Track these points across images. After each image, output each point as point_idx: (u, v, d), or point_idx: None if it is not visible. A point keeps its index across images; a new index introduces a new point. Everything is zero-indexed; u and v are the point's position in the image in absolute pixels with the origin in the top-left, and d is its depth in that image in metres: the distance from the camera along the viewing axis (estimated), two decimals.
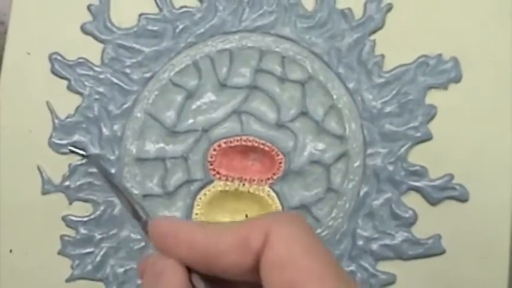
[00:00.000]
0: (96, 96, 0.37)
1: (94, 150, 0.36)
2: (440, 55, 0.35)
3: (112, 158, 0.36)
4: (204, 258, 0.25)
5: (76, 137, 0.36)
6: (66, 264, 0.36)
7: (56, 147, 0.36)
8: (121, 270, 0.36)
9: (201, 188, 0.36)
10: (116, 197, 0.33)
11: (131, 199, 0.30)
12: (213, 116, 0.36)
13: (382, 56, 0.36)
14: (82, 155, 0.35)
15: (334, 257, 0.25)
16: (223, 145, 0.35)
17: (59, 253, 0.36)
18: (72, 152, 0.35)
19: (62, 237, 0.36)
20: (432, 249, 0.34)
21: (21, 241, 0.36)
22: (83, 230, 0.36)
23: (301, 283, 0.23)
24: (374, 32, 0.36)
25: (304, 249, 0.24)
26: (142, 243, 0.35)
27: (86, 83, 0.37)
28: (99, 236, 0.36)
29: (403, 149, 0.35)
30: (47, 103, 0.37)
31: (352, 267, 0.34)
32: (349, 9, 0.36)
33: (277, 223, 0.24)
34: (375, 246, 0.34)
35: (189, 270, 0.26)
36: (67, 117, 0.37)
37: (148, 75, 0.36)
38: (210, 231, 0.25)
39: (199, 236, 0.25)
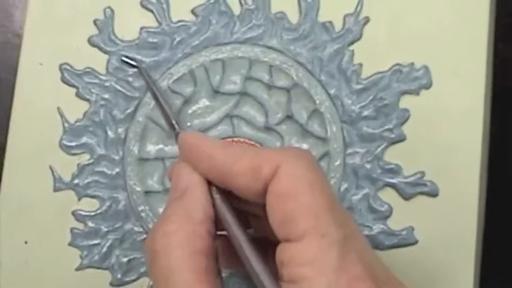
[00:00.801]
0: (102, 102, 0.38)
1: (100, 151, 0.38)
2: (412, 64, 0.37)
3: (116, 158, 0.38)
4: (221, 175, 0.27)
5: (84, 139, 0.38)
6: (76, 255, 0.38)
7: (66, 149, 0.38)
8: (125, 259, 0.37)
9: None
10: (157, 106, 0.36)
11: (169, 110, 0.33)
12: (208, 119, 0.38)
13: (360, 64, 0.37)
14: (132, 65, 0.37)
15: (336, 197, 0.26)
16: None
17: (69, 244, 0.38)
18: (124, 62, 0.37)
19: (71, 230, 0.38)
20: (406, 240, 0.36)
21: (35, 233, 0.38)
22: (90, 224, 0.38)
23: (298, 217, 0.24)
24: (352, 43, 0.37)
25: (307, 186, 0.25)
26: (144, 235, 0.37)
27: (93, 91, 0.38)
28: (105, 229, 0.38)
29: (379, 149, 0.37)
30: (58, 109, 0.38)
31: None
32: (330, 22, 0.37)
33: (287, 158, 0.26)
34: None
35: (209, 183, 0.28)
36: (76, 122, 0.38)
37: None
38: (229, 151, 0.27)
39: (219, 153, 0.27)
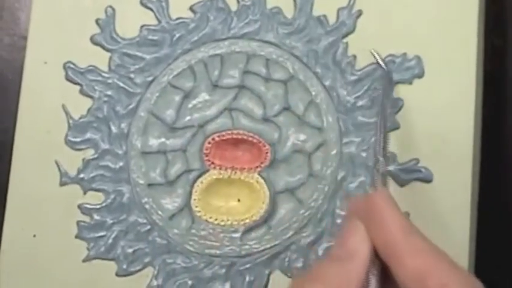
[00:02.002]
0: (105, 99, 0.39)
1: (104, 146, 0.39)
2: (405, 54, 0.37)
3: (120, 152, 0.39)
4: (389, 256, 0.26)
5: (88, 135, 0.39)
6: (83, 247, 0.38)
7: (71, 144, 0.39)
8: (130, 250, 0.38)
9: (198, 177, 0.38)
10: (377, 128, 0.33)
11: (385, 145, 0.32)
12: (207, 113, 0.38)
13: (354, 56, 0.38)
14: (380, 64, 0.36)
15: None
16: (217, 138, 0.38)
17: (76, 237, 0.38)
18: (374, 56, 0.37)
19: (78, 222, 0.38)
20: None
21: (43, 227, 0.38)
22: (96, 216, 0.38)
23: None
24: (346, 35, 0.38)
25: None
26: (148, 227, 0.38)
27: (96, 88, 0.39)
28: (111, 221, 0.38)
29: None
30: (63, 106, 0.39)
31: (333, 242, 0.37)
32: (324, 16, 0.38)
33: (455, 283, 0.25)
34: None
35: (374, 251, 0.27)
36: (80, 118, 0.39)
37: (149, 79, 0.39)
38: (408, 240, 0.26)
39: (398, 236, 0.26)
